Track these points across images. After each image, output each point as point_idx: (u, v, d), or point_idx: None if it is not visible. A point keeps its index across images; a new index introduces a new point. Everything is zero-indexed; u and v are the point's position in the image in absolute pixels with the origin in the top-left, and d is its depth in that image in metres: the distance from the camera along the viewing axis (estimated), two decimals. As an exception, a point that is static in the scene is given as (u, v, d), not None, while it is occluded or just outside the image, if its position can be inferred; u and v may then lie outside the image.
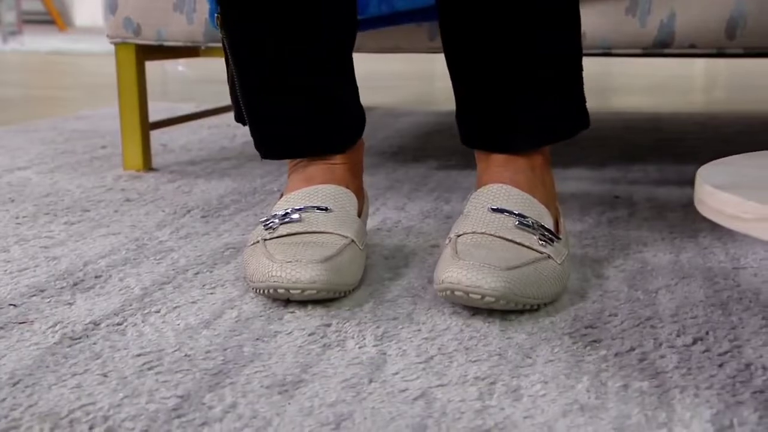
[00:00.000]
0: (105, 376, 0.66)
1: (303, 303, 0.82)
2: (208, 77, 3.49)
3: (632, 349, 0.73)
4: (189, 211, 1.18)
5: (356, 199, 0.94)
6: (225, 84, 1.04)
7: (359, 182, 0.99)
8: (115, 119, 2.10)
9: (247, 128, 1.00)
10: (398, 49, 1.32)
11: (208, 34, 1.35)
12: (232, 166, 1.52)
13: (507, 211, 0.87)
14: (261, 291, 0.83)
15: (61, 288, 0.86)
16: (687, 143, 1.82)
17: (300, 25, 0.92)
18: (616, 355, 0.71)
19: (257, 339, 0.74)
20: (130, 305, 0.81)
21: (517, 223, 0.86)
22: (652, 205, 1.25)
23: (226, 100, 1.22)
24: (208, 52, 1.61)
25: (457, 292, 0.78)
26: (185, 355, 0.70)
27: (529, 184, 0.91)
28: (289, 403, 0.62)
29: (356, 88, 0.99)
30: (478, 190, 0.91)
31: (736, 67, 2.98)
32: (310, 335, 0.75)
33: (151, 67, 1.54)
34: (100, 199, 1.24)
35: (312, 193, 0.91)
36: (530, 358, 0.71)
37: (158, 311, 0.80)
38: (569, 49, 0.93)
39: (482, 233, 0.85)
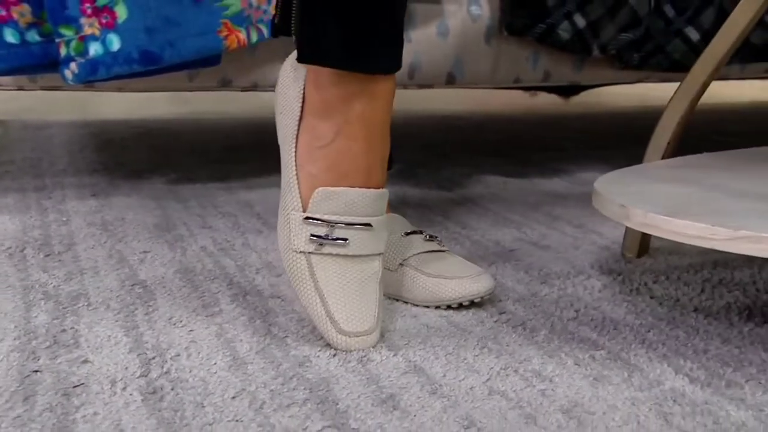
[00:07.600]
0: (380, 402, 0.72)
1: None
2: None
3: (543, 326, 0.93)
4: (22, 251, 1.15)
5: (387, 193, 0.92)
6: None
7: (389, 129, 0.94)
8: None
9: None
10: (164, 89, 1.39)
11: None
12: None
13: (412, 232, 1.03)
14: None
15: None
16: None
17: None
18: (548, 334, 0.91)
19: (357, 363, 0.83)
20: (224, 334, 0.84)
21: (426, 237, 1.03)
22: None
23: None
24: None
25: (476, 300, 0.96)
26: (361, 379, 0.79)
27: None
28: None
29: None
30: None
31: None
32: (397, 370, 0.82)
33: None
34: None
35: (355, 202, 0.89)
36: (509, 345, 0.87)
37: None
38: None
39: (420, 253, 1.00)
